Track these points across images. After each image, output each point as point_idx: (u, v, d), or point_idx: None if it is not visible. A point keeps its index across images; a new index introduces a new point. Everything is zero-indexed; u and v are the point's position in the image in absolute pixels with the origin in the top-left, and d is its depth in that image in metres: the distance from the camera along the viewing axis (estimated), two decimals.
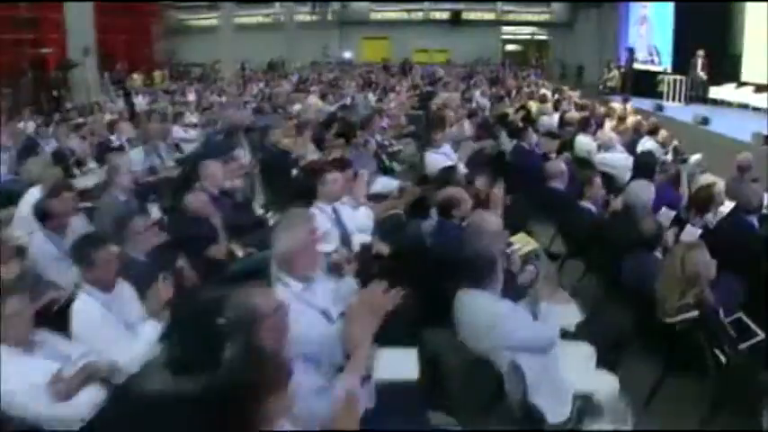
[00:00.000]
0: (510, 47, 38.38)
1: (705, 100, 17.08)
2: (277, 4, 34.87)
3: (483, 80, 21.43)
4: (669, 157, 9.12)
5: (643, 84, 20.37)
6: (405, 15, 36.73)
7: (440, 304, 3.85)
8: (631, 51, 21.20)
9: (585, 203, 5.54)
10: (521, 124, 9.42)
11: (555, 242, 6.58)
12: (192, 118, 13.01)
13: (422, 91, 17.29)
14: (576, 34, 35.63)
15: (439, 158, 7.75)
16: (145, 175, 8.05)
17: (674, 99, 17.03)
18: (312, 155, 8.80)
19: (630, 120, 10.15)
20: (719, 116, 13.42)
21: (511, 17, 37.56)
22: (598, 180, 5.58)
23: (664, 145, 9.28)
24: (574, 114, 10.45)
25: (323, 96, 15.37)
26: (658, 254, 4.68)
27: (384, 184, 7.45)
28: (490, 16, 37.09)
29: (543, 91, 16.57)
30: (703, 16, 18.53)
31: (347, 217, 5.39)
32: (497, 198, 5.15)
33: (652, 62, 22.85)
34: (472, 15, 36.80)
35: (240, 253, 5.28)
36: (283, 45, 32.68)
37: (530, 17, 37.47)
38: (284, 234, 3.55)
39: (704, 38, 18.17)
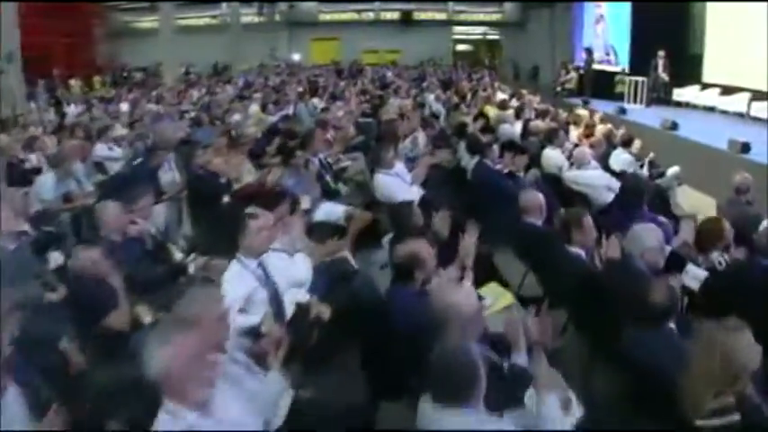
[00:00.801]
0: (461, 47, 37.58)
1: (668, 102, 16.27)
2: (223, 4, 33.14)
3: (435, 83, 20.35)
4: (645, 170, 8.17)
5: (601, 85, 19.53)
6: (355, 16, 35.43)
7: (395, 381, 3.15)
8: (589, 52, 20.31)
9: (573, 248, 4.39)
10: (482, 138, 8.27)
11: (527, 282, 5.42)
12: (122, 131, 11.44)
13: (372, 96, 16.09)
14: (528, 34, 34.94)
15: (391, 182, 6.64)
16: (58, 204, 6.78)
17: (634, 101, 16.10)
18: (247, 176, 7.61)
19: (600, 129, 9.11)
20: (688, 120, 12.53)
21: (462, 17, 36.72)
22: (589, 221, 4.42)
23: (639, 158, 8.31)
24: (539, 124, 9.41)
25: (264, 106, 14.02)
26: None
27: (328, 211, 6.38)
28: (441, 16, 36.20)
29: (501, 95, 15.55)
30: (662, 15, 17.81)
31: (279, 270, 4.26)
32: (468, 249, 4.00)
33: (609, 62, 22.07)
34: (423, 15, 35.79)
35: (148, 319, 4.15)
36: (230, 47, 31.05)
37: (481, 17, 36.70)
38: (163, 347, 2.40)
39: (663, 38, 17.41)
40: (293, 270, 4.48)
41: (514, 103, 13.90)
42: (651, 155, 8.57)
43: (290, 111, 13.25)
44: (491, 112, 11.87)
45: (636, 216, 4.91)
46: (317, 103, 14.72)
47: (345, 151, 9.14)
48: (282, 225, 4.61)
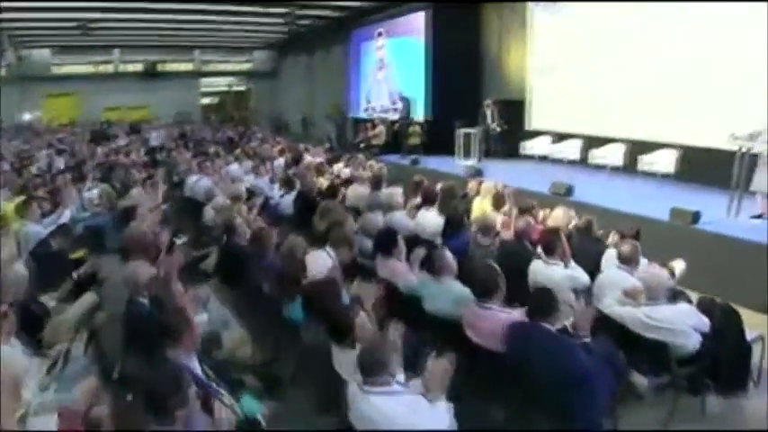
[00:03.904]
0: (206, 100, 33.83)
1: (509, 154, 14.21)
2: None
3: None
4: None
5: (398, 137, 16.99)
6: (92, 69, 29.76)
7: None
8: (407, 101, 17.29)
9: None
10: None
11: None
12: None
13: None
14: (282, 83, 32.37)
15: None
16: None
17: (466, 155, 13.84)
18: None
19: (559, 216, 6.37)
20: (567, 178, 10.21)
21: (210, 67, 33.05)
22: None
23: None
24: (495, 217, 6.39)
25: None
26: None
27: None
28: (188, 67, 31.99)
29: (313, 158, 12.31)
30: (460, 59, 16.41)
31: None
32: None
33: (395, 110, 20.02)
34: (168, 67, 31.27)
35: None
36: None
37: (230, 67, 33.28)
38: None
39: (459, 82, 16.04)
40: None
41: (342, 167, 11.00)
42: (614, 237, 6.11)
43: None
44: (323, 183, 8.81)
45: None
46: None
47: None
48: None
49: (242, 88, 33.94)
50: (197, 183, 9.15)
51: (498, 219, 6.57)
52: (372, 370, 2.97)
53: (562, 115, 13.52)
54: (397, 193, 7.42)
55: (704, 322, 4.18)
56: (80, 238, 6.38)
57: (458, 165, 13.32)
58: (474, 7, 17.00)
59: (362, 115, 22.58)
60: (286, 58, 31.62)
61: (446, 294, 4.35)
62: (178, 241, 5.96)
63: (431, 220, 6.60)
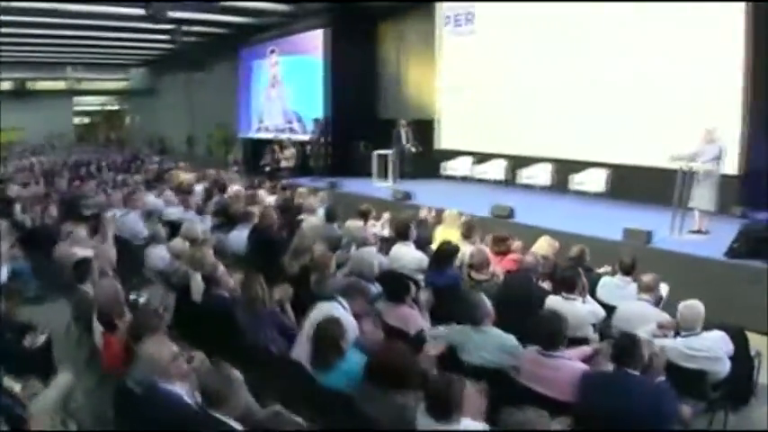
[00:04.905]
0: (77, 119, 31.61)
1: (425, 175, 13.95)
2: None
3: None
4: None
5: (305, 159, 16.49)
6: None
7: None
8: (326, 121, 16.22)
9: None
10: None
11: None
12: None
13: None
14: (159, 101, 30.78)
15: None
16: None
17: (382, 177, 13.61)
18: None
19: (543, 245, 6.21)
20: (501, 200, 10.00)
21: (84, 85, 30.79)
22: None
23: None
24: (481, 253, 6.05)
25: None
26: None
27: None
28: (61, 85, 29.59)
29: (233, 186, 11.52)
30: (356, 77, 16.33)
31: None
32: None
33: (291, 130, 19.50)
34: (40, 85, 28.75)
35: None
36: None
37: (107, 85, 31.25)
38: None
39: (357, 101, 15.96)
40: None
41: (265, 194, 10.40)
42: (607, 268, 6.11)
43: None
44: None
45: None
46: None
47: None
48: None
49: (115, 107, 31.88)
50: (123, 219, 8.15)
51: (467, 249, 6.34)
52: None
53: (480, 136, 13.59)
54: (361, 226, 7.02)
55: (731, 347, 4.30)
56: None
57: (378, 187, 13.06)
58: (372, 26, 16.95)
59: (255, 135, 21.87)
60: (164, 75, 30.09)
61: (491, 343, 4.06)
62: (140, 299, 5.18)
63: (408, 255, 6.24)
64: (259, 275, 4.73)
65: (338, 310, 4.30)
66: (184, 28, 19.73)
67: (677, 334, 4.31)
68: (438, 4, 14.89)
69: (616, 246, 7.69)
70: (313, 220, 7.80)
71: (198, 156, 25.25)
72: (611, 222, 8.32)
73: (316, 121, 15.49)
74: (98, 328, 4.38)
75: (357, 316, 4.40)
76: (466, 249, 6.29)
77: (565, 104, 11.70)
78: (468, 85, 13.98)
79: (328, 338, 3.70)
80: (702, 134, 7.98)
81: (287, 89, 20.03)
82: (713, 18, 9.58)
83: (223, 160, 22.57)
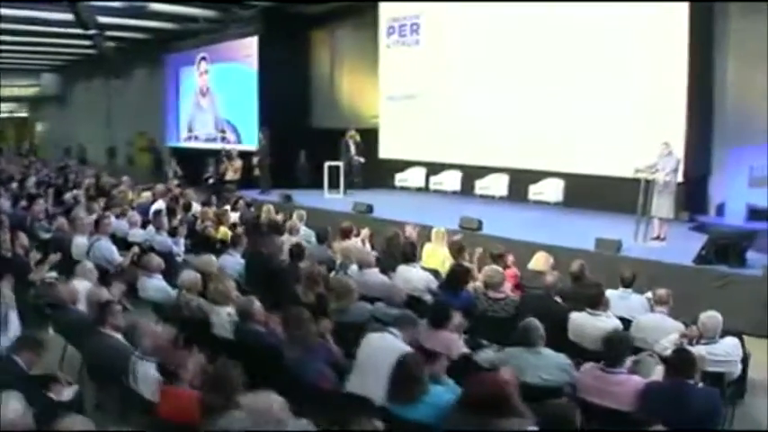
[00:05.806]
0: None
1: (372, 185, 14.15)
2: None
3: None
4: None
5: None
6: None
7: None
8: (270, 132, 15.52)
9: None
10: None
11: None
12: None
13: None
14: (72, 108, 29.37)
15: None
16: None
17: (335, 189, 13.58)
18: None
19: (541, 260, 6.54)
20: (463, 211, 10.05)
21: None
22: None
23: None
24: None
25: None
26: None
27: None
28: None
29: (196, 205, 11.25)
30: (288, 86, 16.22)
31: None
32: None
33: (224, 139, 19.17)
34: None
35: None
36: None
37: (16, 91, 29.30)
38: None
39: (290, 110, 15.91)
40: None
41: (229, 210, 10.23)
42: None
43: None
44: None
45: None
46: None
47: None
48: None
49: (24, 114, 30.07)
50: (96, 245, 7.80)
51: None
52: None
53: (431, 146, 13.85)
54: (361, 247, 7.12)
55: (741, 351, 4.90)
56: None
57: (331, 200, 13.05)
58: (304, 33, 16.98)
59: (184, 144, 21.35)
60: (77, 81, 28.66)
61: (548, 364, 4.31)
62: None
63: (417, 275, 6.40)
64: (304, 309, 4.73)
65: (398, 342, 4.39)
66: (106, 33, 19.05)
67: (697, 341, 4.80)
68: (381, 14, 15.05)
69: (591, 255, 8.18)
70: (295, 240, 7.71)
71: (118, 165, 24.31)
72: (579, 232, 8.81)
73: (263, 130, 15.17)
74: (148, 376, 4.09)
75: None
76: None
77: (518, 115, 12.11)
78: (416, 94, 14.23)
79: (412, 373, 3.81)
80: (661, 147, 8.65)
81: (218, 97, 19.69)
82: (659, 30, 10.28)
83: (148, 169, 21.87)
